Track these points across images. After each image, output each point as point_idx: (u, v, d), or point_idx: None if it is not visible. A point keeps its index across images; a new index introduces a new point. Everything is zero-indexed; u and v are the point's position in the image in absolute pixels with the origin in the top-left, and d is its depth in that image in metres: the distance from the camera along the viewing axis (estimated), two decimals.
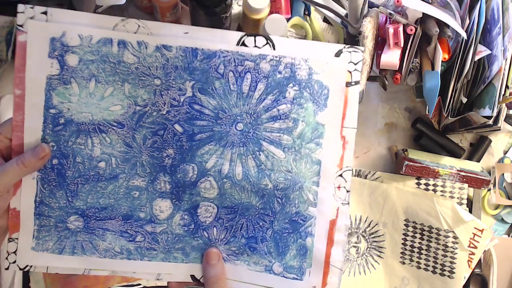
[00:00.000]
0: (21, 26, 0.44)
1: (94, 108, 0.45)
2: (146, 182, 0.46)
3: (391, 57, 0.58)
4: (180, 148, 0.45)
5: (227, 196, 0.46)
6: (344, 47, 0.45)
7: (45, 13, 0.44)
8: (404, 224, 0.69)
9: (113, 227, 0.46)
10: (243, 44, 0.44)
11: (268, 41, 0.44)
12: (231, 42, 0.44)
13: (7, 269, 0.46)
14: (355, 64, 0.44)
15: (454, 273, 0.67)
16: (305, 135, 0.45)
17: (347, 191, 0.46)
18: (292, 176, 0.45)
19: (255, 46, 0.44)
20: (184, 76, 0.44)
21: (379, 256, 0.70)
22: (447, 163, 0.71)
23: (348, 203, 0.46)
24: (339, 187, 0.46)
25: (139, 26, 0.44)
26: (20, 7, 0.45)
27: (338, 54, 0.44)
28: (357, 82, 0.44)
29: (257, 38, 0.44)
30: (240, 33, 0.44)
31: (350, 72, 0.44)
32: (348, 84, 0.44)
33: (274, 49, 0.44)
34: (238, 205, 0.46)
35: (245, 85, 0.44)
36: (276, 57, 0.44)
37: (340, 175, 0.46)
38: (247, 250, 0.46)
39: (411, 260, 0.69)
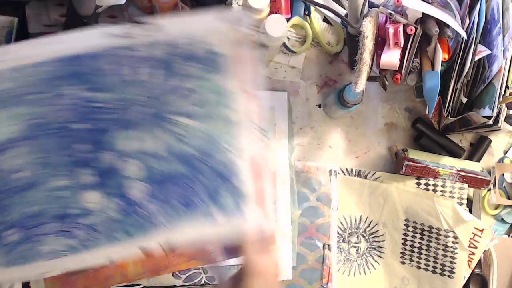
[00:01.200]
0: None
1: None
2: (70, 180, 0.46)
3: (391, 57, 0.58)
4: (93, 141, 0.46)
5: (156, 171, 0.47)
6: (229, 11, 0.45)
7: None
8: (404, 224, 0.69)
9: (49, 230, 0.47)
10: (128, 36, 0.43)
11: (154, 26, 0.43)
12: (109, 37, 0.43)
13: None
14: (243, 20, 0.44)
15: (454, 273, 0.67)
16: (211, 100, 0.46)
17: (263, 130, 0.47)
18: (210, 138, 0.46)
19: (144, 34, 0.43)
20: (70, 81, 0.44)
21: (379, 256, 0.70)
22: (447, 163, 0.71)
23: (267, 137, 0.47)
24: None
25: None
26: None
27: (225, 19, 0.44)
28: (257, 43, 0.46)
29: (142, 26, 0.43)
30: (119, 27, 0.43)
31: (240, 30, 0.44)
32: (243, 45, 0.44)
33: (164, 31, 0.43)
34: (169, 177, 0.47)
35: (142, 73, 0.44)
36: (169, 39, 0.43)
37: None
38: (188, 214, 0.48)
39: (411, 260, 0.69)
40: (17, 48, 0.45)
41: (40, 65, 0.44)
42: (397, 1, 0.56)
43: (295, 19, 0.70)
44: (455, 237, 0.66)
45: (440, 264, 0.68)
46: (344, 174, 0.70)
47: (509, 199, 0.73)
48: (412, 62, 0.59)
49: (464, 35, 0.58)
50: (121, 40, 0.43)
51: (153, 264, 0.59)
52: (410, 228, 0.69)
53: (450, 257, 0.67)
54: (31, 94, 0.45)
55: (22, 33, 0.60)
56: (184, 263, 0.60)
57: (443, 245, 0.67)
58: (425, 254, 0.68)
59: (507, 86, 0.61)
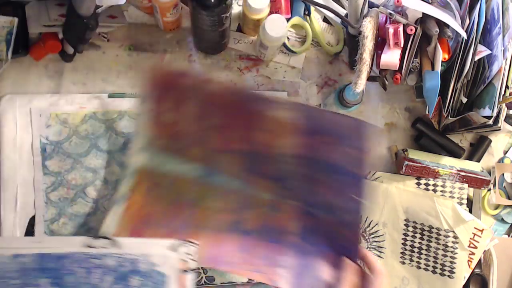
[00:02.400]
0: None
1: None
2: None
3: (391, 57, 0.58)
4: None
5: None
6: (179, 243, 0.51)
7: None
8: (404, 224, 0.69)
9: None
10: (90, 246, 0.50)
11: (112, 241, 0.50)
12: (76, 245, 0.50)
13: None
14: (191, 255, 0.50)
15: (454, 273, 0.67)
16: None
17: None
18: None
19: (102, 247, 0.50)
20: (39, 274, 0.49)
21: (379, 256, 0.70)
22: (447, 163, 0.71)
23: None
24: None
25: None
26: None
27: (174, 249, 0.50)
28: (193, 270, 0.50)
29: (102, 240, 0.50)
30: (84, 238, 0.50)
31: (185, 261, 0.50)
32: (185, 272, 0.50)
33: (119, 248, 0.50)
34: None
35: (94, 277, 0.49)
36: (121, 255, 0.50)
37: None
38: None
39: (411, 260, 0.69)
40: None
41: (21, 256, 0.49)
42: (397, 1, 0.56)
43: (295, 19, 0.70)
44: (455, 237, 0.66)
45: (440, 264, 0.68)
46: None
47: (509, 199, 0.73)
48: (412, 62, 0.59)
49: (464, 35, 0.58)
50: (87, 249, 0.50)
51: (219, 255, 0.59)
52: (410, 228, 0.69)
53: (450, 257, 0.67)
54: (8, 278, 0.49)
55: (22, 33, 0.60)
56: (248, 271, 0.59)
57: (443, 245, 0.67)
58: (425, 254, 0.68)
59: (507, 86, 0.61)
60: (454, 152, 0.72)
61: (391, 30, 0.57)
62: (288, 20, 0.69)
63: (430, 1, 0.59)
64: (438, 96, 0.59)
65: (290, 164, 0.56)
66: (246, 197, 0.58)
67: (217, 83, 0.57)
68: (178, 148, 0.58)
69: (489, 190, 0.73)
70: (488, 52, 0.61)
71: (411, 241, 0.69)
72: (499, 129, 0.65)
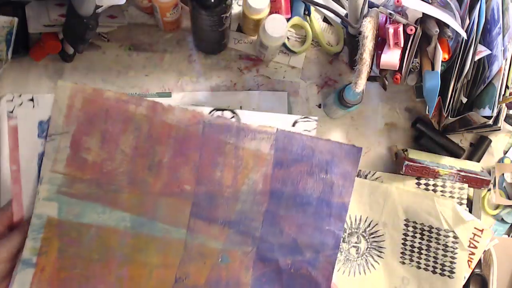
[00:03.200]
0: (11, 112, 0.51)
1: None
2: None
3: (391, 57, 0.58)
4: None
5: None
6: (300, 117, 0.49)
7: (32, 99, 0.52)
8: (404, 224, 0.69)
9: None
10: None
11: None
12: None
13: None
14: (309, 131, 0.48)
15: (454, 273, 0.67)
16: None
17: None
18: None
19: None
20: None
21: (379, 256, 0.70)
22: (447, 163, 0.71)
23: None
24: None
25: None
26: (8, 96, 0.52)
27: (294, 124, 0.48)
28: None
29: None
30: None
31: None
32: None
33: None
34: None
35: None
36: None
37: None
38: None
39: (411, 260, 0.69)
40: None
41: None
42: (397, 1, 0.56)
43: (295, 19, 0.70)
44: (455, 237, 0.66)
45: (440, 264, 0.67)
46: None
47: (509, 199, 0.73)
48: (412, 62, 0.59)
49: (464, 35, 0.58)
50: None
51: None
52: (410, 228, 0.69)
53: (450, 257, 0.67)
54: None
55: (22, 33, 0.60)
56: None
57: (443, 245, 0.67)
58: (425, 254, 0.68)
59: (507, 86, 0.61)
60: (454, 152, 0.72)
61: (391, 30, 0.57)
62: (288, 20, 0.69)
63: (430, 1, 0.59)
64: (438, 96, 0.59)
65: (250, 203, 0.50)
66: (190, 248, 0.50)
67: (178, 111, 0.48)
68: (103, 194, 0.48)
69: (489, 190, 0.73)
70: (488, 52, 0.61)
71: (411, 241, 0.69)
72: (499, 129, 0.65)
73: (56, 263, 0.48)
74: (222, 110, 0.52)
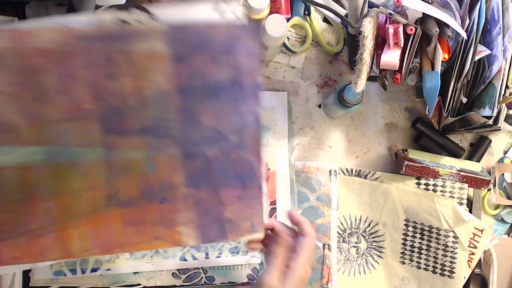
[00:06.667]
0: None
1: None
2: None
3: (391, 57, 0.58)
4: None
5: None
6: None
7: None
8: (404, 224, 0.69)
9: None
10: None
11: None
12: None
13: None
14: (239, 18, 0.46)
15: (454, 273, 0.67)
16: None
17: None
18: None
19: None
20: None
21: (379, 256, 0.70)
22: (447, 163, 0.71)
23: None
24: None
25: None
26: None
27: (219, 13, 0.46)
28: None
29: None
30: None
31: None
32: None
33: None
34: None
35: None
36: None
37: None
38: None
39: (411, 260, 0.69)
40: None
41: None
42: (397, 1, 0.56)
43: (295, 19, 0.70)
44: (455, 237, 0.66)
45: (440, 264, 0.68)
46: (344, 174, 0.70)
47: (509, 199, 0.73)
48: (412, 62, 0.59)
49: (464, 35, 0.58)
50: None
51: (106, 239, 0.50)
52: (410, 228, 0.69)
53: (450, 257, 0.67)
54: None
55: None
56: (146, 242, 0.51)
57: (443, 245, 0.67)
58: (425, 254, 0.68)
59: (507, 86, 0.61)
60: (454, 152, 0.72)
61: (391, 30, 0.57)
62: (288, 20, 0.69)
63: (430, 1, 0.59)
64: (438, 96, 0.59)
65: (161, 105, 0.48)
66: (113, 164, 0.49)
67: (47, 33, 0.44)
68: (2, 136, 0.46)
69: (489, 190, 0.73)
70: (488, 52, 0.61)
71: (411, 241, 0.69)
72: (499, 129, 0.65)
73: None
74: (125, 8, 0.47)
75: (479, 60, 0.62)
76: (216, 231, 0.52)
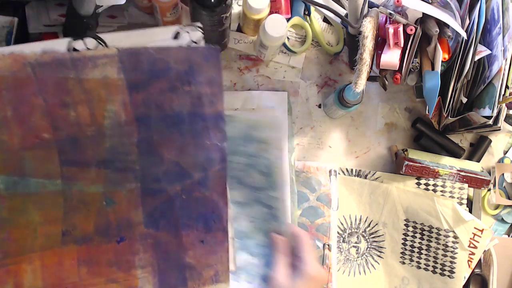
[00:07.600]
0: None
1: None
2: None
3: (391, 57, 0.58)
4: None
5: None
6: (181, 27, 0.44)
7: None
8: (404, 224, 0.69)
9: None
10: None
11: None
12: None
13: None
14: (195, 42, 0.44)
15: (454, 273, 0.67)
16: None
17: None
18: None
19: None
20: None
21: (379, 256, 0.70)
22: (447, 163, 0.71)
23: None
24: None
25: None
26: None
27: (176, 36, 0.44)
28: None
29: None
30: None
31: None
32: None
33: None
34: None
35: None
36: None
37: None
38: None
39: (411, 260, 0.69)
40: None
41: None
42: (397, 1, 0.56)
43: (295, 19, 0.70)
44: (455, 237, 0.66)
45: (440, 264, 0.67)
46: (344, 174, 0.70)
47: (509, 199, 0.73)
48: (412, 62, 0.59)
49: (464, 35, 0.58)
50: None
51: (59, 277, 0.47)
52: (410, 228, 0.69)
53: (450, 257, 0.67)
54: None
55: (22, 33, 0.60)
56: (99, 285, 0.48)
57: (443, 245, 0.67)
58: (425, 254, 0.68)
59: (507, 86, 0.61)
60: (454, 152, 0.72)
61: (391, 30, 0.57)
62: (288, 20, 0.69)
63: (430, 1, 0.59)
64: (438, 96, 0.59)
65: (118, 136, 0.46)
66: (70, 198, 0.47)
67: None
68: None
69: (489, 190, 0.73)
70: (488, 52, 0.61)
71: (411, 241, 0.69)
72: (499, 129, 0.65)
73: None
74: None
75: (479, 60, 0.62)
76: (176, 278, 0.49)
